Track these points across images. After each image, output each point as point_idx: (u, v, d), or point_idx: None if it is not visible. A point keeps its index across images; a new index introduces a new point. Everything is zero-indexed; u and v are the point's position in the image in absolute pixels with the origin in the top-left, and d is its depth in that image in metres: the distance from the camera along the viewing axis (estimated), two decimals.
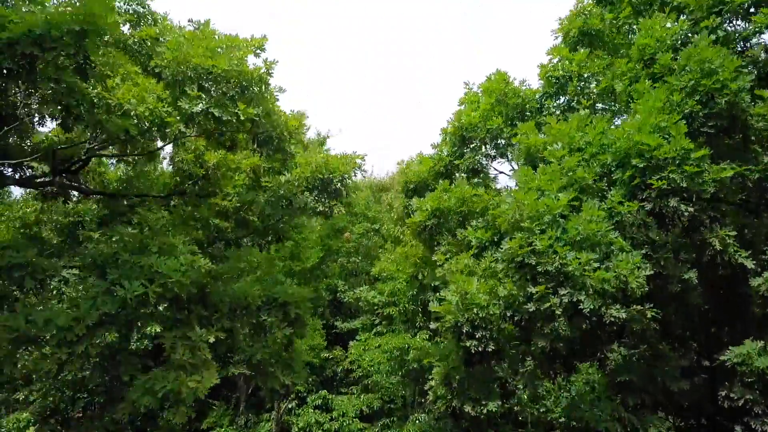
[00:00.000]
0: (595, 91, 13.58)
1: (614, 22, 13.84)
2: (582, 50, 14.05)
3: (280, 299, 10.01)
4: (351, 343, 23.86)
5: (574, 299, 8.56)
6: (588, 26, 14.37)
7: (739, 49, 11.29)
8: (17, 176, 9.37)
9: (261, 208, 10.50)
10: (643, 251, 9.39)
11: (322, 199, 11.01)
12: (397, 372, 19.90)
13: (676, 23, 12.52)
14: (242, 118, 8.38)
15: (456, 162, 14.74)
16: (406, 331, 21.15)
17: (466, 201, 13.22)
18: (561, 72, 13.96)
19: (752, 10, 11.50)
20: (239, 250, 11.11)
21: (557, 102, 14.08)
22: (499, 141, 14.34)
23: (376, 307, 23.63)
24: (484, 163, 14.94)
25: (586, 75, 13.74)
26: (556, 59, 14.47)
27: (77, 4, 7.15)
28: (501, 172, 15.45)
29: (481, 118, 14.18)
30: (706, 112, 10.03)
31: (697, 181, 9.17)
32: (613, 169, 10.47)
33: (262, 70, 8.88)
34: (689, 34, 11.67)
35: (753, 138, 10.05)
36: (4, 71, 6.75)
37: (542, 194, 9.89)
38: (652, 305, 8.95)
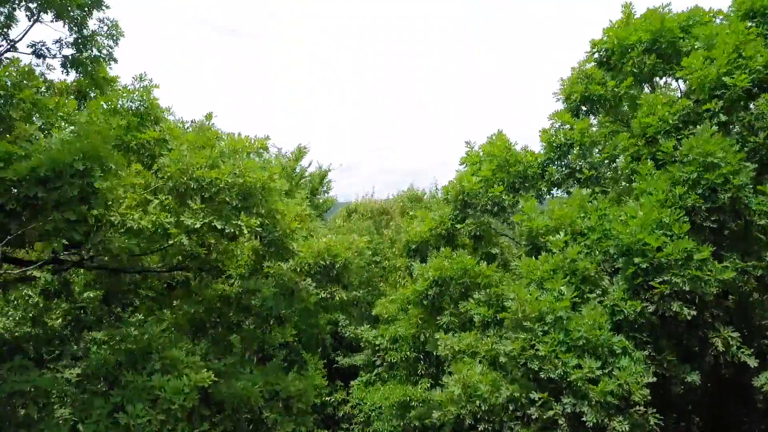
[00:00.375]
0: (597, 160, 13.59)
1: (616, 90, 13.82)
2: (584, 118, 14.08)
3: (283, 394, 10.02)
4: (353, 382, 23.86)
5: (577, 410, 8.55)
6: (590, 92, 14.36)
7: (741, 133, 11.26)
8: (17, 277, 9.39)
9: (263, 297, 10.50)
10: (646, 352, 9.40)
11: (324, 284, 11.03)
12: (399, 419, 19.87)
13: (678, 96, 12.55)
14: (245, 231, 8.39)
15: (458, 226, 14.74)
16: (408, 377, 21.15)
17: (468, 271, 13.24)
18: (562, 139, 13.97)
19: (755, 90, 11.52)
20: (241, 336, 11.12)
21: (559, 168, 14.05)
22: (502, 206, 14.31)
23: (377, 347, 23.63)
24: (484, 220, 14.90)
25: (587, 143, 13.75)
26: (558, 124, 14.51)
27: (83, 138, 7.14)
28: (503, 234, 15.43)
29: (483, 184, 14.17)
30: (709, 206, 10.03)
31: (699, 285, 9.16)
32: (616, 257, 10.48)
33: (265, 178, 8.88)
34: (691, 114, 11.68)
35: (756, 233, 10.04)
36: (7, 210, 6.76)
37: (544, 291, 9.90)
38: (655, 410, 8.95)
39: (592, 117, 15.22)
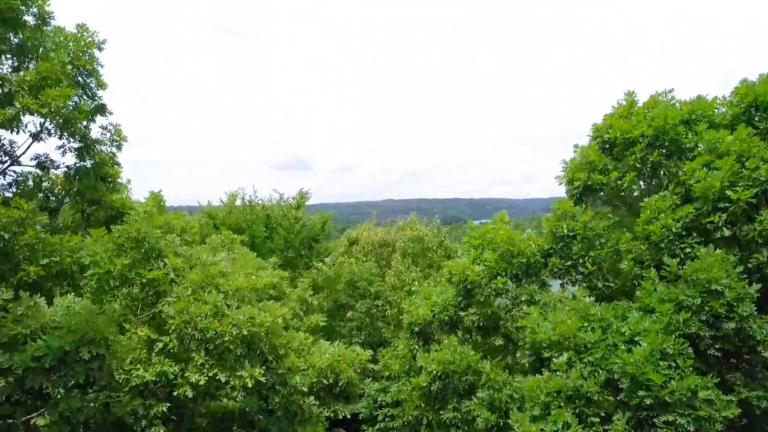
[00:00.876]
0: (600, 254, 13.56)
1: (619, 183, 13.80)
2: (586, 209, 14.07)
3: None
4: None
5: None
6: (593, 180, 14.36)
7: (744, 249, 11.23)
8: None
9: (266, 421, 10.49)
10: None
11: (328, 402, 11.01)
12: None
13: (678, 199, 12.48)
14: (249, 384, 8.38)
15: (462, 314, 14.73)
16: None
17: (472, 367, 13.25)
18: (565, 230, 13.95)
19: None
20: None
21: (562, 259, 14.02)
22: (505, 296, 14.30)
23: (379, 402, 23.61)
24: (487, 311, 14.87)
25: (591, 235, 13.71)
26: (561, 212, 14.50)
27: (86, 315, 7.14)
28: (506, 320, 15.39)
29: (486, 273, 14.16)
30: (713, 333, 10.02)
31: (704, 425, 9.15)
32: (619, 378, 10.46)
33: (269, 322, 8.87)
34: (695, 221, 11.66)
35: (761, 365, 10.03)
36: (12, 401, 6.76)
37: (549, 423, 9.89)
38: None
39: (594, 197, 15.29)
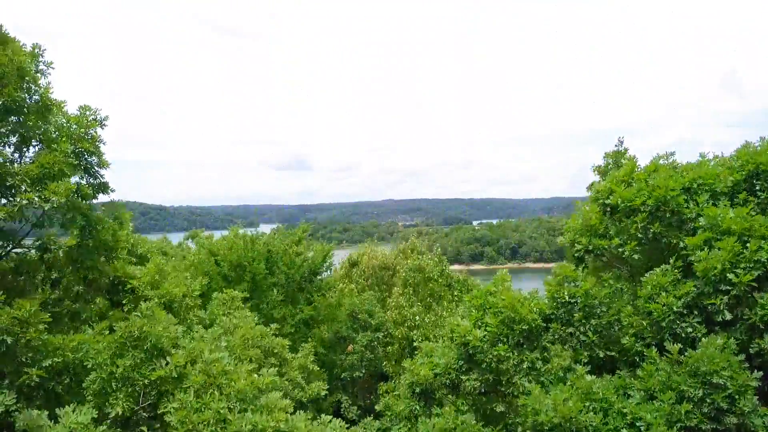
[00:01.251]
0: (602, 322, 13.57)
1: (620, 250, 13.83)
2: (587, 274, 14.10)
3: None
4: None
5: None
6: (594, 245, 14.40)
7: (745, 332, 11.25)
8: None
9: None
10: None
11: None
12: None
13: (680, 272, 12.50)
14: None
15: (463, 377, 14.73)
16: None
17: None
18: (566, 297, 13.96)
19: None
20: None
21: (563, 326, 14.04)
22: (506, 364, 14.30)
23: None
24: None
25: (592, 304, 13.72)
26: (562, 276, 14.52)
27: None
28: (507, 386, 15.40)
29: (488, 340, 14.18)
30: (715, 427, 10.03)
31: None
32: None
33: (272, 429, 8.88)
34: (696, 300, 11.69)
35: None
36: None
37: None
38: None
39: (596, 261, 15.36)
